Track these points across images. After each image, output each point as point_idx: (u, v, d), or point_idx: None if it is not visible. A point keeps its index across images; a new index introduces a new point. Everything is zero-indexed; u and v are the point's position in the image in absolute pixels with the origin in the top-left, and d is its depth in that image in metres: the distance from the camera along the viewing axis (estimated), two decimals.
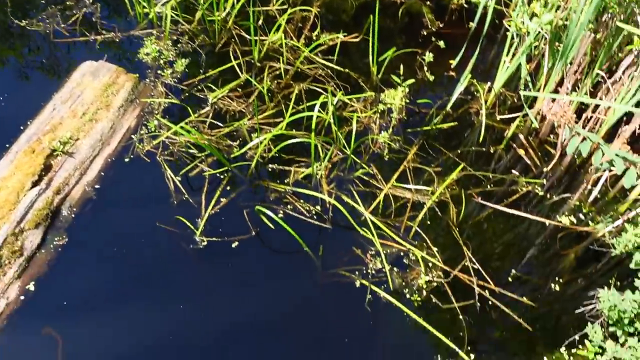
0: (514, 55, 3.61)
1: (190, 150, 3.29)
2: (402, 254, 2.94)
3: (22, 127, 3.22)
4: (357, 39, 4.10)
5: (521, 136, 3.59)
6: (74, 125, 3.20)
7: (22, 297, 2.62)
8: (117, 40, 3.93)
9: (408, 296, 2.79)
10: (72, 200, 2.97)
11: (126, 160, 3.22)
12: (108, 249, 2.85)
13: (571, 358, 2.64)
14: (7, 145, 3.13)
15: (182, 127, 3.16)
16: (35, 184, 2.90)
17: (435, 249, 2.97)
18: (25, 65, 3.74)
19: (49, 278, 2.72)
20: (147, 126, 3.38)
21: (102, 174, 3.13)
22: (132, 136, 3.34)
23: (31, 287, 2.66)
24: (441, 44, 4.14)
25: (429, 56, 3.76)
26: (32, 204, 2.82)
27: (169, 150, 3.29)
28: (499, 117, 3.70)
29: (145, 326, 2.66)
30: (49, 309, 2.63)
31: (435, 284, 2.84)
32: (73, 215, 2.93)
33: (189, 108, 3.49)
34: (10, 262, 2.66)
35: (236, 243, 2.92)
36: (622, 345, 2.44)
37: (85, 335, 2.59)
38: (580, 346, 2.66)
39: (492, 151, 3.53)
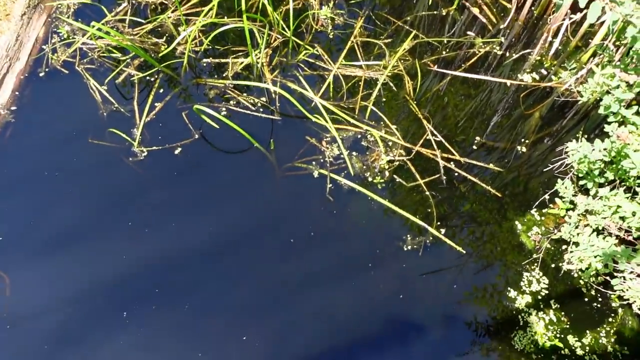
0: None
1: (113, 55, 2.93)
2: (359, 136, 2.74)
3: None
4: None
5: None
6: None
7: None
8: None
9: (370, 179, 2.63)
10: None
11: (41, 74, 2.85)
12: (39, 174, 2.56)
13: (542, 218, 2.56)
14: None
15: (99, 30, 2.78)
16: None
17: (394, 127, 2.77)
18: None
19: None
20: (59, 33, 2.98)
21: (17, 93, 2.77)
22: (43, 47, 2.94)
23: None
24: None
25: None
26: None
27: (89, 58, 2.92)
28: None
29: (96, 249, 2.44)
30: None
31: (397, 163, 2.68)
32: None
33: (102, 7, 3.07)
34: None
35: (179, 149, 2.66)
36: (594, 197, 2.36)
37: (30, 269, 2.37)
38: (551, 205, 2.58)
39: (444, 14, 3.25)
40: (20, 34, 2.89)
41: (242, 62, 2.94)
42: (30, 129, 2.69)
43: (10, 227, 2.44)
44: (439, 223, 2.53)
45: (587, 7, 2.28)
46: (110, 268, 2.37)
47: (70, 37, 2.95)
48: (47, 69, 2.86)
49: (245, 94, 2.85)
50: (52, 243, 2.43)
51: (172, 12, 3.07)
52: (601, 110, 2.24)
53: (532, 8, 3.16)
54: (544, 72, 3.02)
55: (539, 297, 2.36)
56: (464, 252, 2.45)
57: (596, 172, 2.33)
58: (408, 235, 2.48)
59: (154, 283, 2.32)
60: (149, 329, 2.21)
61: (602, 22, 2.78)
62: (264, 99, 2.85)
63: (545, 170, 2.67)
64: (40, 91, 2.80)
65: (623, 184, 2.35)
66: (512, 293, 2.37)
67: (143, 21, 3.04)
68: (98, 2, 3.10)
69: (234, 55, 2.97)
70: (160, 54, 2.93)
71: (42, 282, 2.36)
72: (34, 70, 2.86)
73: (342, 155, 2.67)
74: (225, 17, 3.05)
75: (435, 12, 3.24)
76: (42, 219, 2.47)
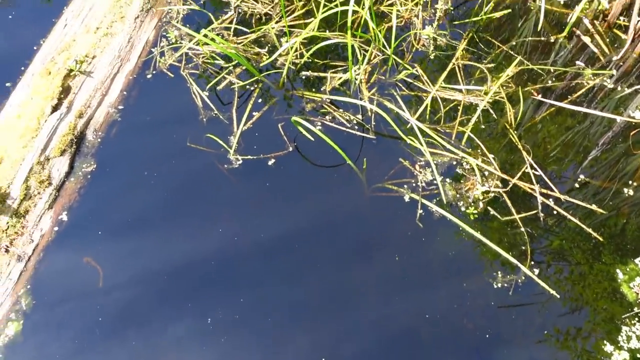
0: None
1: (216, 62, 3.01)
2: (454, 163, 2.68)
3: (35, 48, 2.99)
4: None
5: (586, 21, 3.16)
6: (88, 41, 2.94)
7: (56, 228, 2.51)
8: None
9: (463, 209, 2.56)
10: (97, 124, 2.77)
11: (148, 76, 2.97)
12: (139, 173, 2.68)
13: None
14: (22, 69, 2.92)
15: (205, 36, 2.86)
16: (55, 108, 2.70)
17: (491, 156, 2.69)
18: None
19: (81, 206, 2.58)
20: (167, 37, 3.09)
21: (125, 93, 2.90)
22: (152, 49, 3.06)
23: (64, 217, 2.53)
24: None
25: None
26: (55, 129, 2.64)
27: (193, 63, 3.01)
28: (560, 0, 3.24)
29: (184, 248, 2.52)
30: (85, 238, 2.51)
31: (492, 194, 2.59)
32: (99, 140, 2.75)
33: (210, 15, 3.16)
34: (40, 193, 2.53)
35: (273, 160, 2.70)
36: None
37: (124, 262, 2.48)
38: None
39: (552, 41, 3.12)
40: (133, 36, 3.03)
41: (340, 78, 2.94)
42: (134, 129, 2.81)
43: (107, 221, 2.56)
44: (532, 262, 2.42)
45: None
46: (192, 265, 2.45)
47: (178, 42, 3.06)
48: (154, 72, 2.98)
49: (341, 110, 2.85)
50: (143, 240, 2.53)
51: (276, 23, 3.12)
52: None
53: None
54: None
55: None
56: (558, 296, 2.34)
57: None
58: (499, 272, 2.39)
59: (236, 300, 2.36)
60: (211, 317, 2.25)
61: None
62: (359, 116, 2.84)
63: None
64: (146, 92, 2.92)
65: None
66: (609, 347, 2.23)
67: (247, 30, 3.10)
68: (206, 9, 3.19)
69: (333, 70, 2.98)
70: (262, 64, 2.99)
71: (131, 276, 2.46)
72: (142, 72, 2.98)
73: (435, 181, 2.61)
74: (327, 31, 3.06)
75: (542, 38, 3.12)
76: (136, 217, 2.58)
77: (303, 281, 2.42)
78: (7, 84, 2.88)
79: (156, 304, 2.36)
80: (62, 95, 2.75)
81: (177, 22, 3.14)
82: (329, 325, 2.29)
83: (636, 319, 2.29)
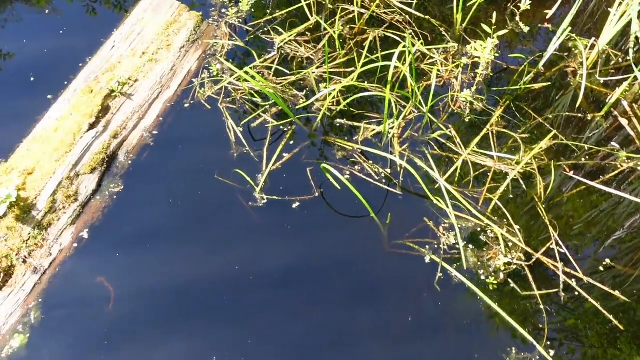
0: (624, 7, 3.11)
1: (254, 99, 3.06)
2: (479, 229, 2.65)
3: (81, 65, 3.07)
4: None
5: (625, 103, 3.15)
6: (133, 64, 3.01)
7: (75, 245, 2.52)
8: None
9: (483, 278, 2.52)
10: (130, 146, 2.81)
11: (186, 105, 3.02)
12: (164, 199, 2.70)
13: None
14: (66, 83, 2.99)
15: (246, 73, 2.91)
16: (92, 126, 2.75)
17: (517, 227, 2.66)
18: (91, 3, 3.57)
19: (103, 226, 2.60)
20: (209, 70, 3.15)
21: (161, 119, 2.95)
22: (193, 80, 3.12)
23: (85, 234, 2.55)
24: None
25: (525, 3, 3.30)
26: (89, 147, 2.68)
27: (231, 97, 3.06)
28: (600, 80, 3.25)
29: (197, 281, 2.51)
30: (101, 257, 2.52)
31: (514, 266, 2.55)
32: (130, 162, 2.79)
33: (254, 52, 3.23)
34: (65, 207, 2.55)
35: (297, 203, 2.70)
36: None
37: (136, 286, 2.47)
38: None
39: (588, 118, 3.11)
40: (176, 65, 3.09)
41: (373, 129, 2.96)
42: (165, 155, 2.85)
43: (126, 243, 2.57)
44: (548, 343, 2.36)
45: None
46: (202, 296, 2.45)
47: (219, 75, 3.12)
48: (192, 101, 3.03)
49: (371, 161, 2.86)
50: (158, 266, 2.53)
51: (317, 68, 3.16)
52: None
53: None
54: None
55: None
56: None
57: None
58: (514, 348, 2.34)
59: (242, 335, 2.34)
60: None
61: None
62: (388, 170, 2.84)
63: None
64: (181, 121, 2.96)
65: None
66: None
67: (288, 72, 3.15)
68: (250, 47, 3.26)
69: (367, 121, 3.00)
70: (298, 107, 3.02)
71: (141, 300, 2.45)
72: (180, 100, 3.03)
73: (457, 246, 2.59)
74: (366, 82, 3.10)
75: (579, 115, 3.12)
76: (155, 242, 2.58)
77: (309, 324, 2.40)
78: (49, 96, 2.94)
79: (162, 331, 2.35)
80: (101, 115, 2.80)
81: (221, 56, 3.21)
82: None
83: None
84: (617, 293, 2.50)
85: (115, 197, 2.67)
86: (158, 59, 3.06)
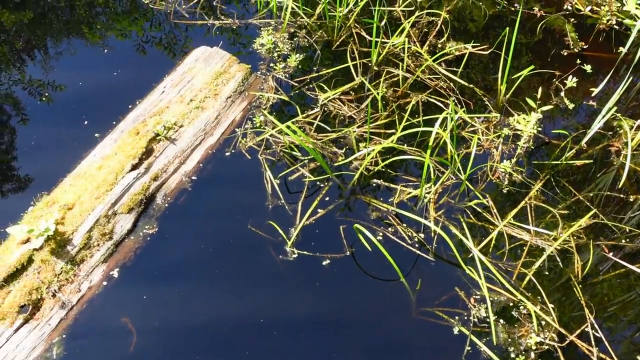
0: None
1: (293, 152, 3.10)
2: (511, 304, 2.58)
3: (130, 106, 3.18)
4: (487, 52, 3.72)
5: None
6: (180, 110, 3.10)
7: (104, 283, 2.55)
8: (234, 27, 3.82)
9: (513, 356, 2.43)
10: (168, 189, 2.87)
11: (227, 154, 3.08)
12: (196, 245, 2.72)
13: None
14: (114, 123, 3.09)
15: (288, 127, 2.96)
16: (134, 167, 2.82)
17: (551, 305, 2.57)
18: (142, 44, 3.73)
19: (134, 266, 2.63)
20: (253, 121, 3.23)
21: (201, 165, 3.01)
22: (236, 129, 3.19)
23: (115, 273, 2.57)
24: (587, 68, 3.65)
25: (572, 81, 3.31)
26: (129, 187, 2.74)
27: (272, 150, 3.11)
28: None
29: (219, 327, 2.49)
30: (129, 298, 2.53)
31: (546, 347, 2.45)
32: (167, 205, 2.83)
33: (297, 107, 3.30)
34: (99, 245, 2.59)
35: (328, 261, 2.68)
36: None
37: (160, 330, 2.46)
38: None
39: (631, 199, 3.04)
40: (221, 114, 3.18)
41: (409, 192, 2.95)
42: (201, 201, 2.89)
43: (155, 285, 2.59)
44: None
45: None
46: (223, 345, 2.41)
47: (262, 127, 3.18)
48: (233, 150, 3.09)
49: (404, 225, 2.84)
50: (184, 312, 2.52)
51: (358, 127, 3.20)
52: None
53: None
54: None
55: None
56: None
57: None
58: None
59: None
60: None
61: None
62: (422, 235, 2.81)
63: None
64: (221, 168, 3.02)
65: None
66: None
67: (329, 129, 3.20)
68: (295, 101, 3.34)
69: (404, 183, 3.00)
70: (336, 164, 3.05)
71: (163, 345, 2.43)
72: (222, 149, 3.10)
73: (488, 319, 2.51)
74: (405, 145, 3.12)
75: (620, 195, 3.05)
76: (184, 287, 2.59)
77: None
78: (96, 135, 3.05)
79: None
80: (144, 157, 2.87)
81: (265, 108, 3.29)
82: None
83: None
84: None
85: (148, 238, 2.70)
86: (204, 107, 3.15)
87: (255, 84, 3.41)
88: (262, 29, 3.77)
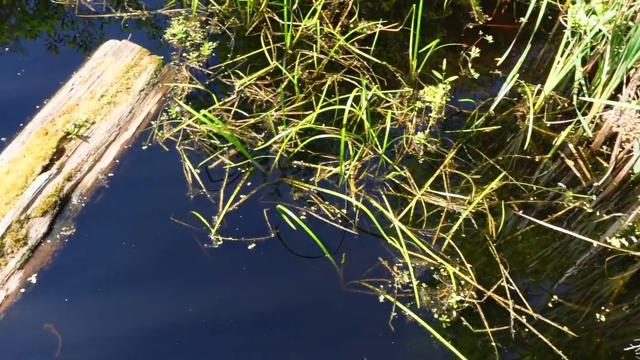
0: (568, 55, 3.29)
1: (212, 141, 3.09)
2: (432, 268, 2.69)
3: (37, 107, 3.07)
4: (397, 30, 3.83)
5: (571, 145, 3.29)
6: (91, 107, 3.02)
7: (22, 290, 2.47)
8: (144, 19, 3.74)
9: (436, 316, 2.55)
10: (84, 188, 2.80)
11: (144, 147, 3.03)
12: (117, 243, 2.67)
13: None
14: (21, 125, 2.98)
15: (205, 116, 2.95)
16: (45, 168, 2.73)
17: (469, 266, 2.71)
18: (46, 42, 3.59)
19: (52, 270, 2.55)
20: (168, 112, 3.19)
21: (117, 161, 2.95)
22: (152, 122, 3.15)
23: (33, 279, 2.50)
24: (489, 39, 3.82)
25: (475, 51, 3.46)
26: (41, 189, 2.66)
27: (190, 140, 3.09)
28: (547, 123, 3.39)
29: (149, 325, 2.47)
30: (50, 303, 2.46)
31: (466, 304, 2.59)
32: (83, 204, 2.76)
33: (213, 95, 3.28)
34: (13, 252, 2.50)
35: (253, 244, 2.71)
36: None
37: (87, 334, 2.42)
38: None
39: (537, 160, 3.23)
40: (135, 108, 3.12)
41: (330, 171, 3.01)
42: (120, 197, 2.84)
43: (76, 288, 2.53)
44: None
45: None
46: (154, 340, 2.41)
47: (178, 118, 3.15)
48: (149, 144, 3.05)
49: (327, 203, 2.90)
50: (108, 311, 2.49)
51: (276, 111, 3.23)
52: None
53: (631, 171, 3.09)
54: (634, 239, 2.90)
55: None
56: None
57: None
58: None
59: None
60: None
61: None
62: (344, 210, 2.88)
63: (625, 349, 2.50)
64: (138, 163, 2.97)
65: None
66: None
67: (247, 115, 3.21)
68: (210, 90, 3.32)
69: (324, 163, 3.06)
70: (256, 148, 3.06)
71: (90, 347, 2.39)
72: (138, 143, 3.05)
73: (411, 285, 2.62)
74: (323, 125, 3.17)
75: (527, 157, 3.23)
76: (106, 287, 2.55)
77: None
78: (3, 139, 2.93)
79: None
80: (55, 157, 2.79)
81: (181, 99, 3.25)
82: None
83: None
84: (565, 329, 2.55)
85: (66, 240, 2.63)
86: (117, 102, 3.08)
87: (169, 75, 3.37)
88: (172, 18, 3.71)
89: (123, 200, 2.82)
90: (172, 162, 2.98)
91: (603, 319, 2.63)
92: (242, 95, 3.33)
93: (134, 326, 2.45)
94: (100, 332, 2.42)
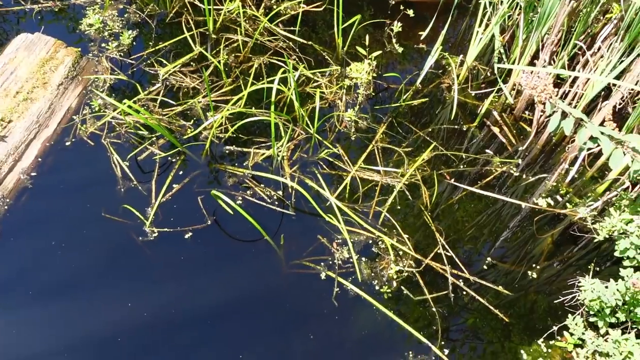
0: (487, 26, 3.39)
1: (140, 132, 3.00)
2: (370, 242, 2.74)
3: None
4: (321, 9, 3.82)
5: (495, 113, 3.40)
6: (6, 105, 2.87)
7: None
8: (56, 10, 3.57)
9: (377, 288, 2.59)
10: (5, 190, 2.66)
11: (67, 144, 2.91)
12: (46, 244, 2.56)
13: (549, 350, 2.49)
14: None
15: (129, 107, 2.85)
16: None
17: (406, 236, 2.77)
18: None
19: None
20: (91, 105, 3.07)
21: (40, 159, 2.82)
22: (74, 117, 3.02)
23: None
24: (410, 12, 3.88)
25: (397, 26, 3.51)
26: None
27: (116, 132, 2.99)
28: (472, 93, 3.49)
29: (87, 324, 2.37)
30: None
31: (406, 274, 2.65)
32: (6, 207, 2.63)
33: (137, 85, 3.18)
34: None
35: (190, 233, 2.66)
36: (603, 336, 2.30)
37: (18, 340, 2.31)
38: (558, 337, 2.52)
39: (464, 129, 3.32)
40: (54, 103, 2.98)
41: (263, 154, 2.99)
42: (45, 197, 2.72)
43: (5, 294, 2.41)
44: (443, 342, 2.46)
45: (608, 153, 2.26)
46: (94, 341, 2.34)
47: (102, 111, 3.04)
48: (73, 139, 2.93)
49: (262, 185, 2.88)
50: (44, 316, 2.39)
51: (203, 97, 3.17)
52: (617, 253, 2.24)
53: (552, 134, 3.24)
54: (559, 198, 3.04)
55: None
56: None
57: (608, 311, 2.29)
58: (410, 352, 2.41)
59: None
60: None
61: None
62: (280, 192, 2.87)
63: (555, 301, 2.63)
64: (62, 160, 2.85)
65: (634, 326, 2.30)
66: None
67: (174, 103, 3.13)
68: (134, 80, 3.21)
69: (256, 146, 3.03)
70: (186, 136, 3.00)
71: (24, 355, 2.29)
72: (61, 139, 2.92)
73: (351, 260, 2.65)
74: (253, 108, 3.14)
75: (455, 127, 3.32)
76: (39, 291, 2.45)
77: (213, 356, 2.34)
78: None
79: None
80: None
81: (102, 91, 3.13)
82: None
83: None
84: (500, 288, 2.66)
85: None
86: (34, 98, 2.94)
87: (89, 67, 3.23)
88: (87, 8, 3.56)
89: (49, 200, 2.70)
90: (99, 156, 2.88)
91: (535, 276, 2.75)
92: (168, 83, 3.25)
93: (73, 334, 2.34)
94: (34, 338, 2.32)
